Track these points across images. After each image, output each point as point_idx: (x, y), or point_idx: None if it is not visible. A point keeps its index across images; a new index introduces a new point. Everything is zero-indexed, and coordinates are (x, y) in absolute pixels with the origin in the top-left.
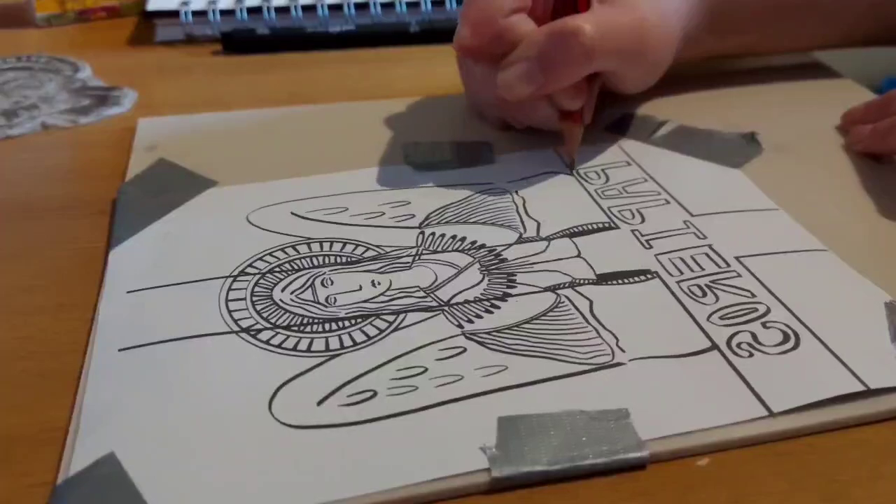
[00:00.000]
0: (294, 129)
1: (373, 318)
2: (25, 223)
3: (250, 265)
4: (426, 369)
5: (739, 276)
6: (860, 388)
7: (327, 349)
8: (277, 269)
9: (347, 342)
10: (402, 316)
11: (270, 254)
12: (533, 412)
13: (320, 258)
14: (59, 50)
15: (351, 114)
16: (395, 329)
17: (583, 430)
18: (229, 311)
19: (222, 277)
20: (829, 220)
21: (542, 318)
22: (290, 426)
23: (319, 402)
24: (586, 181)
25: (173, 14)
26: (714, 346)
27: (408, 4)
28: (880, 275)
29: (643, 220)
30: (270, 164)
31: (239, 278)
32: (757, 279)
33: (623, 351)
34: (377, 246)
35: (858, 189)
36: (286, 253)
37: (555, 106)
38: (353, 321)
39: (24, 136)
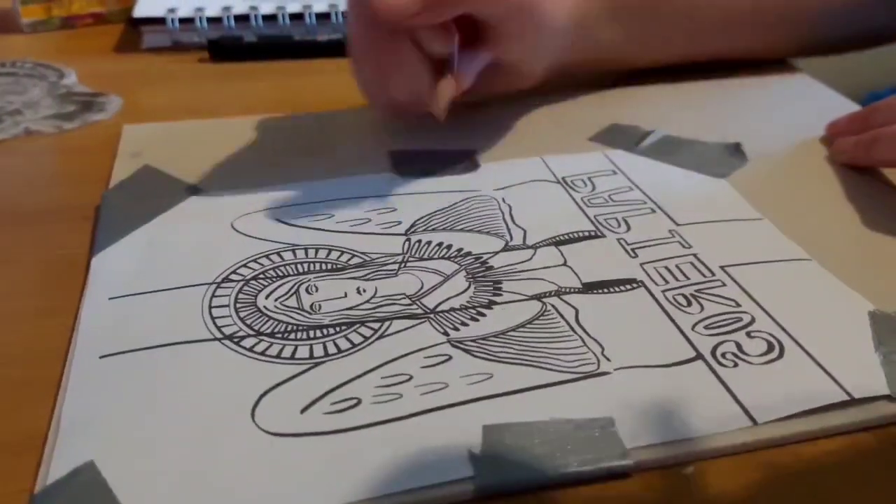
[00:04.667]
0: (280, 137)
1: (358, 325)
2: (8, 228)
3: (234, 272)
4: (411, 377)
5: (724, 285)
6: (844, 397)
7: (311, 356)
8: (262, 276)
9: (332, 350)
10: (387, 323)
11: (255, 260)
12: (518, 420)
13: (305, 265)
14: (45, 56)
15: (337, 121)
16: (381, 337)
17: (568, 439)
18: (212, 318)
19: (206, 284)
20: (813, 230)
21: (528, 326)
22: (272, 434)
23: (303, 410)
24: (573, 189)
25: (160, 21)
26: (699, 356)
27: None
28: (864, 284)
29: (629, 229)
30: (256, 171)
31: (223, 285)
32: (742, 288)
33: (608, 360)
34: (363, 253)
35: (842, 199)
36: (271, 260)
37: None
38: (337, 328)
39: (6, 142)
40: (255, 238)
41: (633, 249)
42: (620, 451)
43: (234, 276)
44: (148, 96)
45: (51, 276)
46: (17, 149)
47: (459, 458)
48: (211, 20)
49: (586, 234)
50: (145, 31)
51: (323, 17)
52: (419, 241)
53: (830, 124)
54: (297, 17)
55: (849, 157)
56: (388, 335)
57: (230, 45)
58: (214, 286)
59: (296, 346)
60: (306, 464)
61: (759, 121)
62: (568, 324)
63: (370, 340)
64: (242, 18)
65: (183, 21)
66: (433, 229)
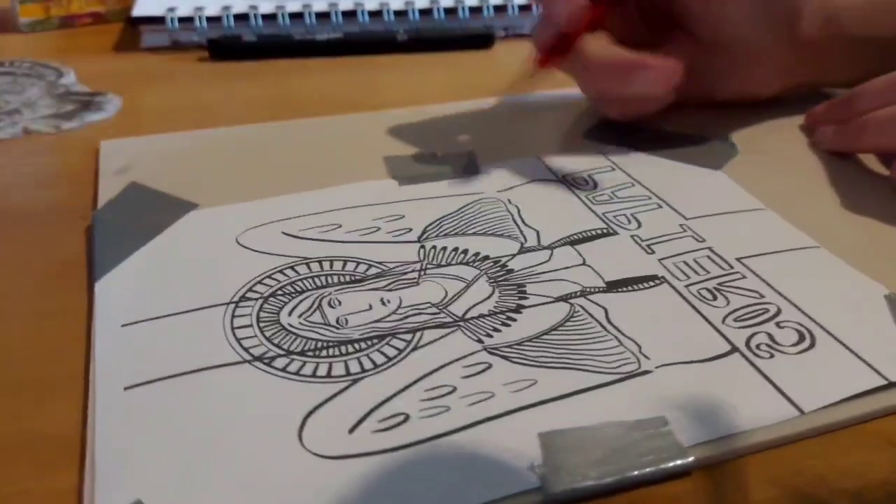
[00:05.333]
0: (273, 145)
1: (389, 337)
2: (5, 228)
3: (251, 289)
4: (455, 388)
5: (744, 277)
6: (882, 382)
7: (348, 373)
8: (280, 292)
9: (368, 365)
10: (418, 334)
11: (270, 276)
12: (570, 426)
13: (323, 278)
14: (44, 55)
15: (333, 127)
16: (414, 349)
17: (625, 441)
18: (237, 339)
19: (223, 304)
20: (810, 217)
21: (561, 328)
22: (324, 457)
23: (351, 430)
24: (575, 187)
25: (159, 20)
26: (734, 349)
27: (395, 13)
28: (870, 268)
29: (640, 226)
30: (251, 182)
31: (241, 304)
32: (762, 279)
33: (648, 358)
34: (379, 263)
35: (828, 185)
36: (286, 275)
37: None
38: (369, 342)
39: (4, 141)
40: (264, 253)
41: (648, 245)
42: (679, 449)
43: (251, 294)
44: (147, 96)
45: (48, 276)
46: (15, 148)
47: (521, 469)
48: (210, 19)
49: (599, 231)
50: (144, 30)
51: (322, 16)
52: (434, 247)
53: (809, 113)
54: (296, 16)
55: (832, 145)
56: (421, 346)
57: (229, 45)
58: (233, 306)
59: (330, 364)
60: (364, 485)
61: (744, 111)
62: (600, 324)
63: (405, 353)
64: (242, 18)
65: (182, 20)
66: (445, 235)
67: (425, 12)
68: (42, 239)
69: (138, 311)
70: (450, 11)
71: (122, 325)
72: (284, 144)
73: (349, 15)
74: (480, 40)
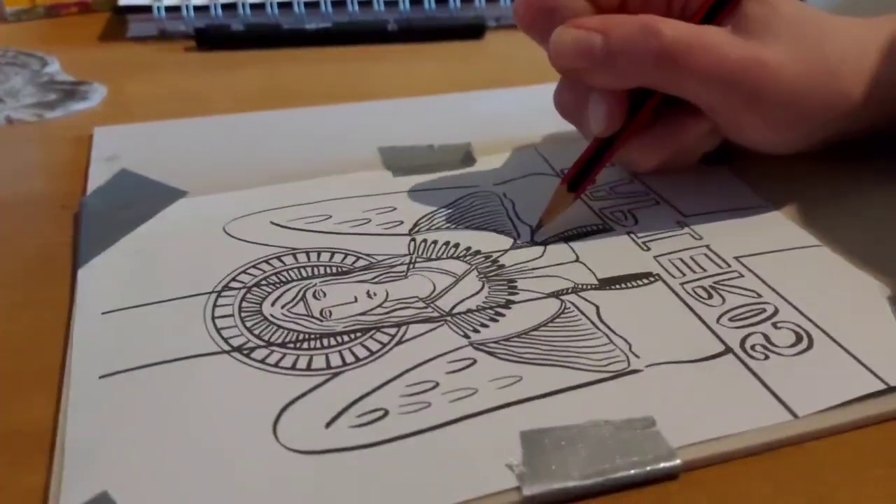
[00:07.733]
0: (267, 135)
1: (373, 331)
2: None
3: (234, 279)
4: (437, 384)
5: (742, 276)
6: (880, 386)
7: (329, 366)
8: (264, 282)
9: (349, 358)
10: (403, 328)
11: (254, 266)
12: (555, 424)
13: (308, 269)
14: (28, 45)
15: (326, 117)
16: (399, 342)
17: (610, 441)
18: (217, 329)
19: (205, 293)
20: (813, 215)
21: (550, 324)
22: (298, 452)
23: (328, 425)
24: None
25: (146, 9)
26: (728, 350)
27: (385, 3)
28: (873, 269)
29: (636, 222)
30: (242, 171)
31: (223, 293)
32: (760, 279)
33: (638, 357)
34: (367, 255)
35: (834, 182)
36: (271, 265)
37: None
38: (352, 335)
39: None
40: (251, 242)
41: (644, 242)
42: (667, 451)
43: (234, 284)
44: (133, 85)
45: (30, 266)
46: None
47: (500, 468)
48: (198, 8)
49: (594, 228)
50: (131, 19)
51: (312, 5)
52: (425, 240)
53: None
54: (285, 5)
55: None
56: (406, 340)
57: (217, 34)
58: (215, 295)
59: (311, 356)
60: (338, 482)
61: None
62: (590, 321)
63: (388, 347)
64: (230, 7)
65: (169, 9)
66: (437, 228)
67: (416, 2)
68: (24, 228)
69: (120, 298)
70: (440, 1)
71: (103, 313)
72: (278, 134)
73: (339, 4)
74: (472, 30)
